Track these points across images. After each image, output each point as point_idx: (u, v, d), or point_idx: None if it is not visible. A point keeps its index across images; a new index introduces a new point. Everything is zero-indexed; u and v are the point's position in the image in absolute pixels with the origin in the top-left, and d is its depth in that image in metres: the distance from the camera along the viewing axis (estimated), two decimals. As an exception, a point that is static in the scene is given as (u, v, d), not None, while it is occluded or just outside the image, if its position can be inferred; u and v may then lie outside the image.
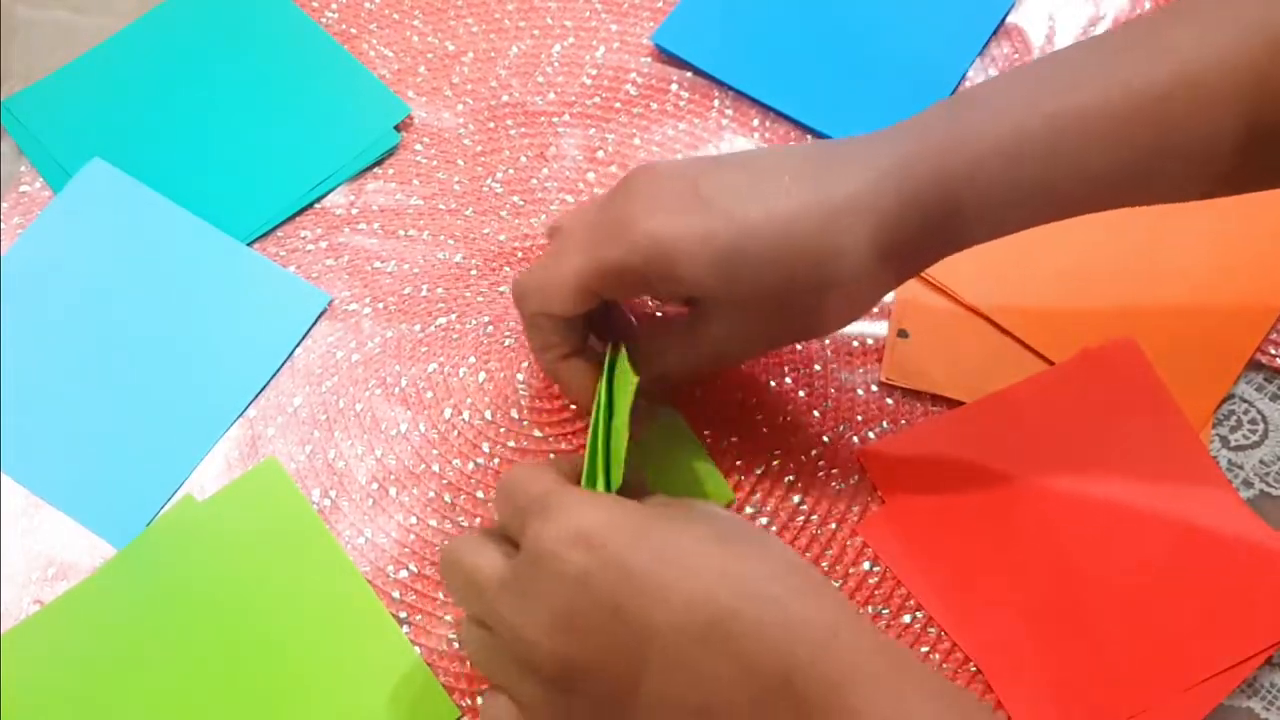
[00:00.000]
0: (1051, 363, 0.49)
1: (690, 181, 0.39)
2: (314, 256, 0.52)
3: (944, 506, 0.46)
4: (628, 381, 0.39)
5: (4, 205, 0.53)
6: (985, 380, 0.49)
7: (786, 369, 0.50)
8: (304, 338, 0.50)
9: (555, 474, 0.38)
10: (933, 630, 0.45)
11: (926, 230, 0.39)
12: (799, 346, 0.50)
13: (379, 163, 0.54)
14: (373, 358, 0.50)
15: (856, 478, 0.48)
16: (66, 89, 0.55)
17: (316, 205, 0.53)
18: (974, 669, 0.44)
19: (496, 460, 0.48)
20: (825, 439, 0.48)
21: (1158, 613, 0.44)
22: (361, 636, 0.44)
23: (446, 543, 0.38)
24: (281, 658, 0.44)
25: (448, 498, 0.47)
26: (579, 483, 0.38)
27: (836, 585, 0.46)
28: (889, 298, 0.51)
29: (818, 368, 0.50)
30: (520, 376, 0.49)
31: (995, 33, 0.58)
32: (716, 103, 0.56)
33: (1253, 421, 0.49)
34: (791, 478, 0.48)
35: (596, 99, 0.56)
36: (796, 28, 0.57)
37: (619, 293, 0.41)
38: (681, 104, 0.56)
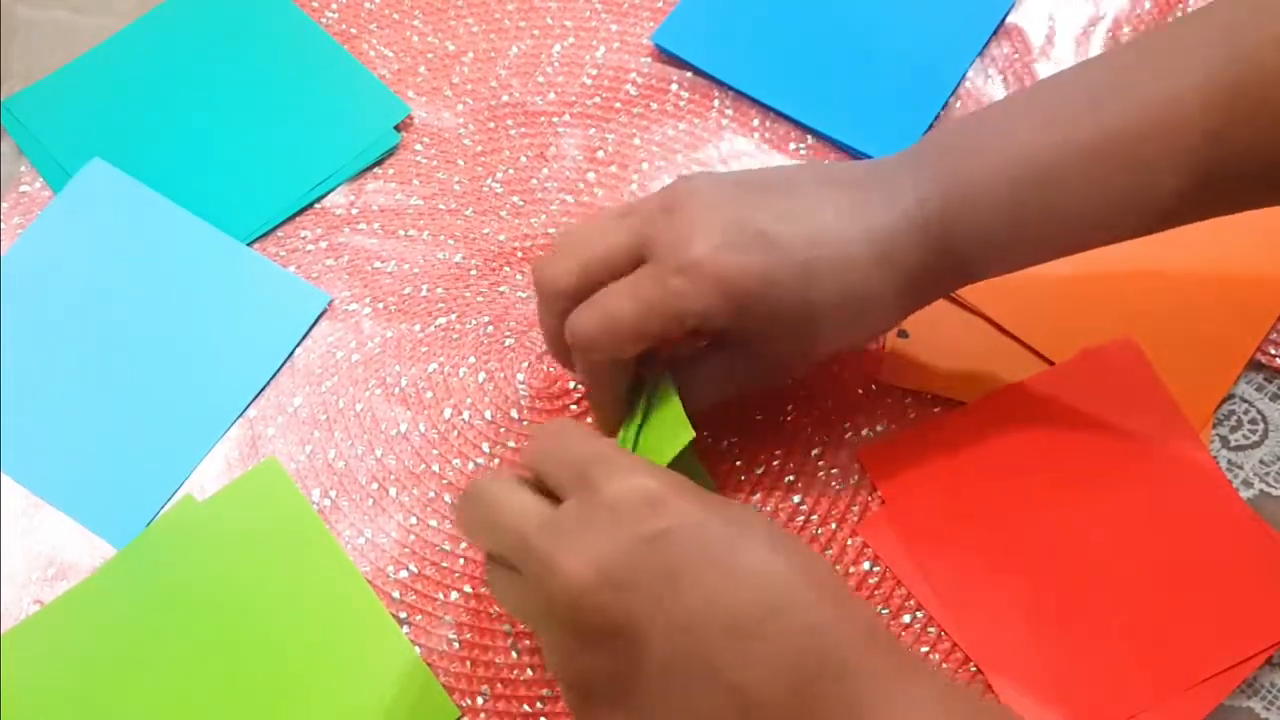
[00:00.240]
0: (1051, 363, 0.49)
1: (741, 209, 0.40)
2: (314, 256, 0.52)
3: (944, 506, 0.46)
4: (677, 428, 0.41)
5: (4, 205, 0.53)
6: (985, 380, 0.49)
7: (786, 369, 0.50)
8: (304, 338, 0.50)
9: (605, 437, 0.38)
10: (933, 630, 0.45)
11: (940, 272, 0.41)
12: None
13: (379, 163, 0.54)
14: (373, 358, 0.50)
15: (856, 478, 0.48)
16: (66, 89, 0.55)
17: (316, 205, 0.53)
18: (974, 669, 0.44)
19: (496, 460, 0.48)
20: (825, 439, 0.48)
21: (1158, 613, 0.44)
22: (361, 636, 0.44)
23: (471, 483, 0.38)
24: (281, 658, 0.44)
25: (448, 498, 0.47)
26: None
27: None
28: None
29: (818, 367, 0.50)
30: (520, 376, 0.50)
31: (995, 33, 0.57)
32: (716, 103, 0.56)
33: (1253, 421, 0.49)
34: (791, 478, 0.48)
35: (596, 99, 0.56)
36: (796, 28, 0.57)
37: (681, 332, 0.41)
38: (681, 104, 0.56)
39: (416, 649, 0.44)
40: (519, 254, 0.52)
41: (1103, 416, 0.48)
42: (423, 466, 0.48)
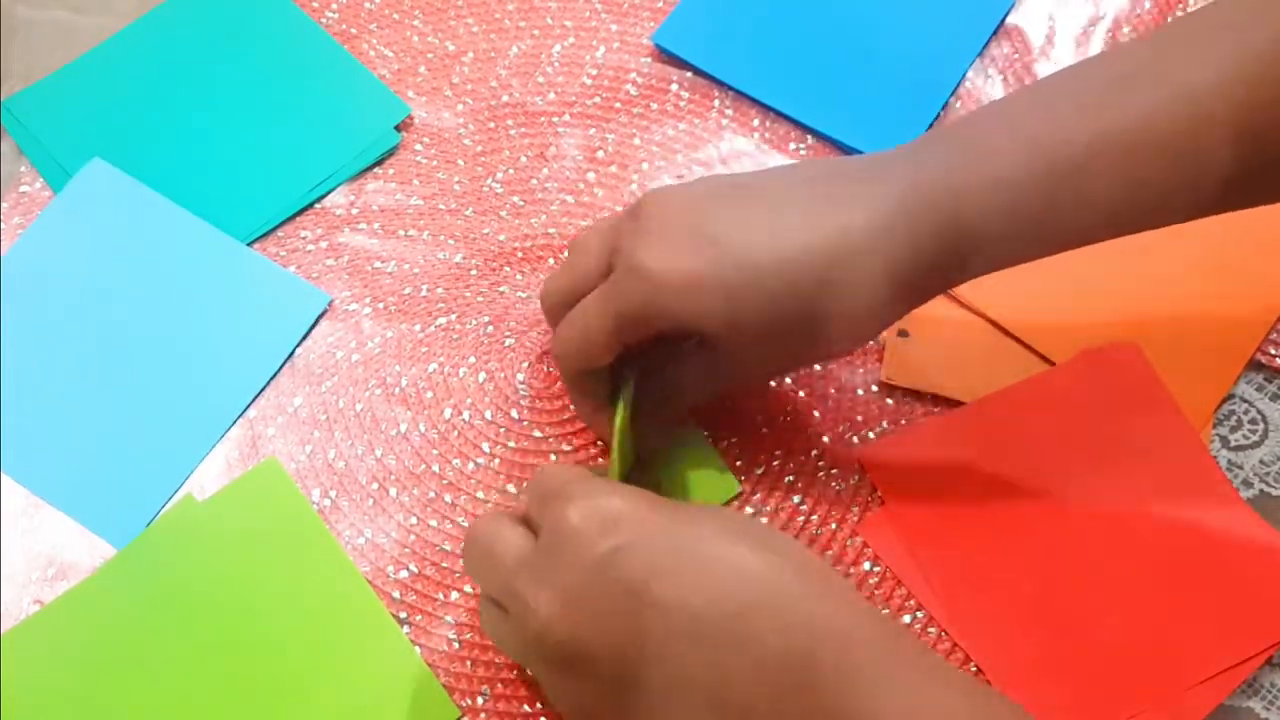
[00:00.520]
0: (1052, 363, 0.49)
1: (701, 217, 0.40)
2: (314, 256, 0.52)
3: (944, 506, 0.46)
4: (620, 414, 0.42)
5: (4, 205, 0.53)
6: (985, 380, 0.49)
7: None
8: (304, 338, 0.50)
9: (582, 469, 0.39)
10: (933, 630, 0.45)
11: (934, 267, 0.40)
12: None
13: (379, 163, 0.54)
14: (373, 358, 0.50)
15: (856, 478, 0.48)
16: (66, 89, 0.55)
17: (316, 205, 0.53)
18: (974, 669, 0.44)
19: (496, 460, 0.48)
20: (825, 439, 0.48)
21: (1158, 613, 0.44)
22: (361, 636, 0.44)
23: (472, 523, 0.39)
24: (281, 658, 0.44)
25: (448, 498, 0.47)
26: None
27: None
28: (889, 298, 0.51)
29: (818, 368, 0.50)
30: (520, 376, 0.49)
31: (995, 33, 0.58)
32: (716, 103, 0.56)
33: (1253, 421, 0.49)
34: (791, 478, 0.48)
35: (596, 99, 0.56)
36: (796, 28, 0.57)
37: (642, 335, 0.41)
38: (681, 104, 0.56)
39: (416, 649, 0.44)
40: (519, 254, 0.52)
41: (1103, 417, 0.48)
42: (423, 466, 0.48)
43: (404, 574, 0.46)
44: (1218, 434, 0.49)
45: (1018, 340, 0.50)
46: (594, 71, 0.57)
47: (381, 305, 0.51)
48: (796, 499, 0.47)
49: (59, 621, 0.44)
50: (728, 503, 0.47)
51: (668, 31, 0.57)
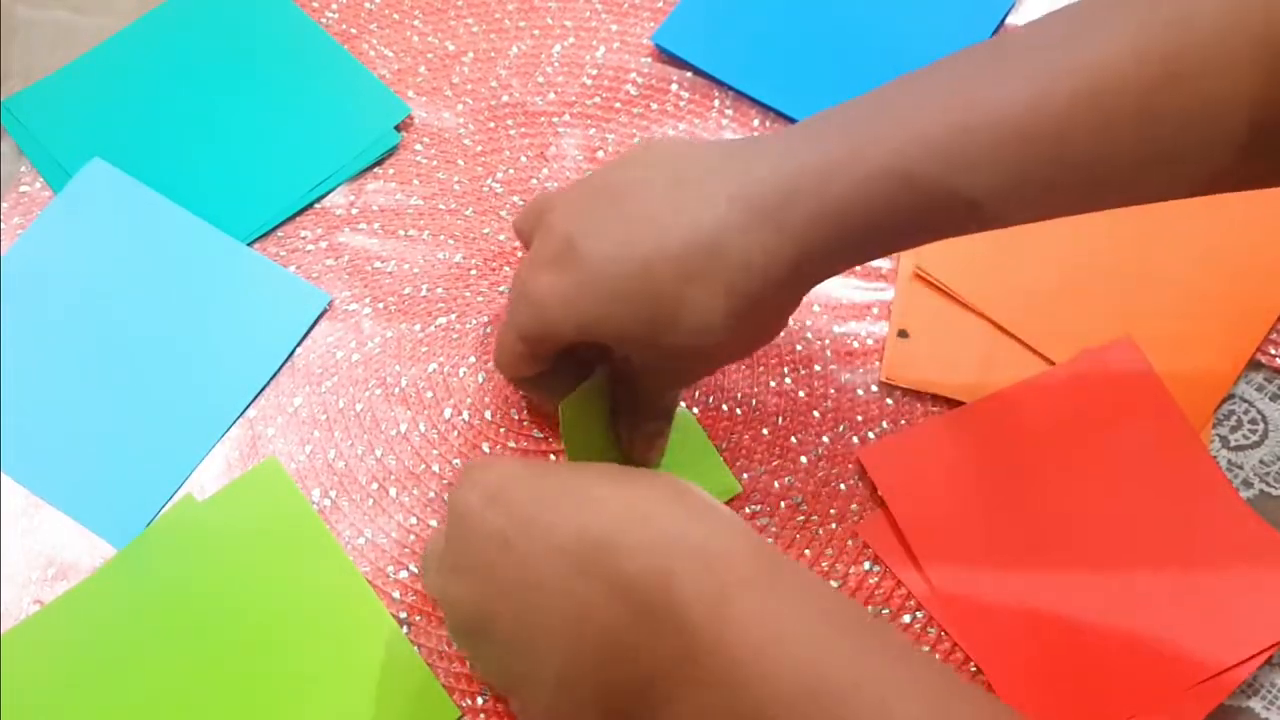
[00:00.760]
0: (1051, 363, 0.49)
1: (573, 225, 0.39)
2: (314, 256, 0.52)
3: (944, 506, 0.46)
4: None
5: (4, 205, 0.53)
6: (985, 380, 0.49)
7: (786, 369, 0.50)
8: (304, 338, 0.50)
9: (501, 457, 0.39)
10: (933, 630, 0.45)
11: (811, 253, 0.37)
12: (798, 347, 0.50)
13: (379, 163, 0.54)
14: (373, 358, 0.50)
15: (856, 478, 0.48)
16: (66, 89, 0.55)
17: (316, 205, 0.53)
18: (974, 669, 0.44)
19: (496, 460, 0.48)
20: (825, 439, 0.48)
21: (1158, 613, 0.44)
22: (361, 636, 0.44)
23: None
24: (282, 658, 0.44)
25: (447, 498, 0.47)
26: None
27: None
28: (889, 297, 0.51)
29: (817, 368, 0.50)
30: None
31: (995, 33, 0.57)
32: (716, 103, 0.56)
33: (1253, 421, 0.49)
34: (791, 478, 0.48)
35: (596, 99, 0.56)
36: (796, 28, 0.57)
37: (552, 350, 0.41)
38: (681, 104, 0.56)
39: (416, 649, 0.44)
40: (519, 254, 0.52)
41: (1103, 416, 0.48)
42: (423, 466, 0.48)
43: (404, 574, 0.46)
44: (1218, 434, 0.49)
45: (1018, 340, 0.50)
46: (594, 71, 0.57)
47: (381, 305, 0.51)
48: (797, 499, 0.47)
49: (59, 621, 0.44)
50: (728, 502, 0.47)
51: (668, 31, 0.57)
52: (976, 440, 0.48)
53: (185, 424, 0.48)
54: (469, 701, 0.44)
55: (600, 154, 0.55)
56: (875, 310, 0.51)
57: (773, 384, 0.49)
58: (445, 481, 0.47)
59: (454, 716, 0.43)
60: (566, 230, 0.39)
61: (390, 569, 0.46)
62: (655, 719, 0.33)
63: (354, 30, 0.58)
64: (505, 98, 0.56)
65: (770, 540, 0.47)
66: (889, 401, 0.49)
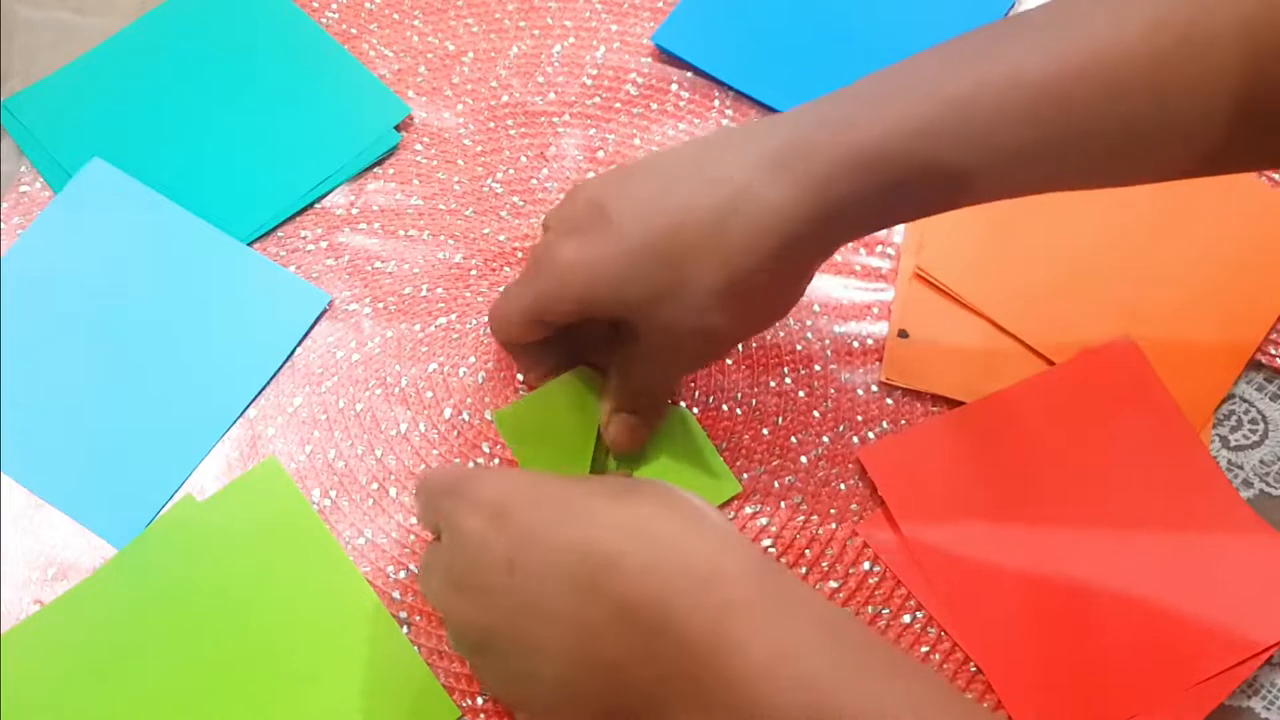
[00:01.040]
0: (1051, 363, 0.49)
1: (606, 196, 0.40)
2: (314, 256, 0.52)
3: (944, 506, 0.46)
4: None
5: (4, 205, 0.53)
6: (985, 380, 0.49)
7: (786, 369, 0.50)
8: (304, 338, 0.50)
9: (467, 467, 0.39)
10: (932, 630, 0.45)
11: (830, 214, 0.38)
12: (798, 346, 0.50)
13: (379, 163, 0.54)
14: (373, 358, 0.50)
15: (856, 478, 0.48)
16: (67, 89, 0.55)
17: (317, 205, 0.53)
18: (974, 669, 0.44)
19: (496, 460, 0.48)
20: (825, 439, 0.48)
21: (1158, 613, 0.44)
22: (361, 636, 0.44)
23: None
24: (282, 657, 0.44)
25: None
26: None
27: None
28: (889, 297, 0.51)
29: (817, 368, 0.50)
30: (520, 376, 0.49)
31: (995, 33, 0.57)
32: (716, 103, 0.56)
33: (1253, 421, 0.49)
34: (791, 478, 0.48)
35: (596, 99, 0.56)
36: (796, 28, 0.57)
37: (564, 319, 0.42)
38: (681, 104, 0.56)
39: (416, 649, 0.44)
40: (519, 254, 0.52)
41: (1103, 417, 0.48)
42: (423, 466, 0.48)
43: (404, 574, 0.46)
44: (1218, 434, 0.49)
45: (1018, 340, 0.50)
46: (594, 71, 0.57)
47: (381, 305, 0.51)
48: (796, 499, 0.47)
49: (59, 621, 0.44)
50: (728, 502, 0.47)
51: (668, 31, 0.57)
52: (976, 440, 0.48)
53: (185, 424, 0.48)
54: (469, 701, 0.44)
55: (600, 154, 0.55)
56: (875, 310, 0.51)
57: (773, 384, 0.49)
58: (445, 481, 0.48)
59: (454, 716, 0.43)
60: (595, 197, 0.40)
61: (390, 569, 0.46)
62: None
63: (354, 30, 0.58)
64: (505, 98, 0.56)
65: (770, 540, 0.47)
66: (889, 401, 0.49)
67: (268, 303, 0.51)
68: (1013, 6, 0.58)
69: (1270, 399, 0.49)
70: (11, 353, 0.49)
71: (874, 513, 0.47)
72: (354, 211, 0.53)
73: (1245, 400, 0.49)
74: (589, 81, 0.56)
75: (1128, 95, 0.36)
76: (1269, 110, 0.36)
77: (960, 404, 0.49)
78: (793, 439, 0.48)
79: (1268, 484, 0.48)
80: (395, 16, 0.58)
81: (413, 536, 0.46)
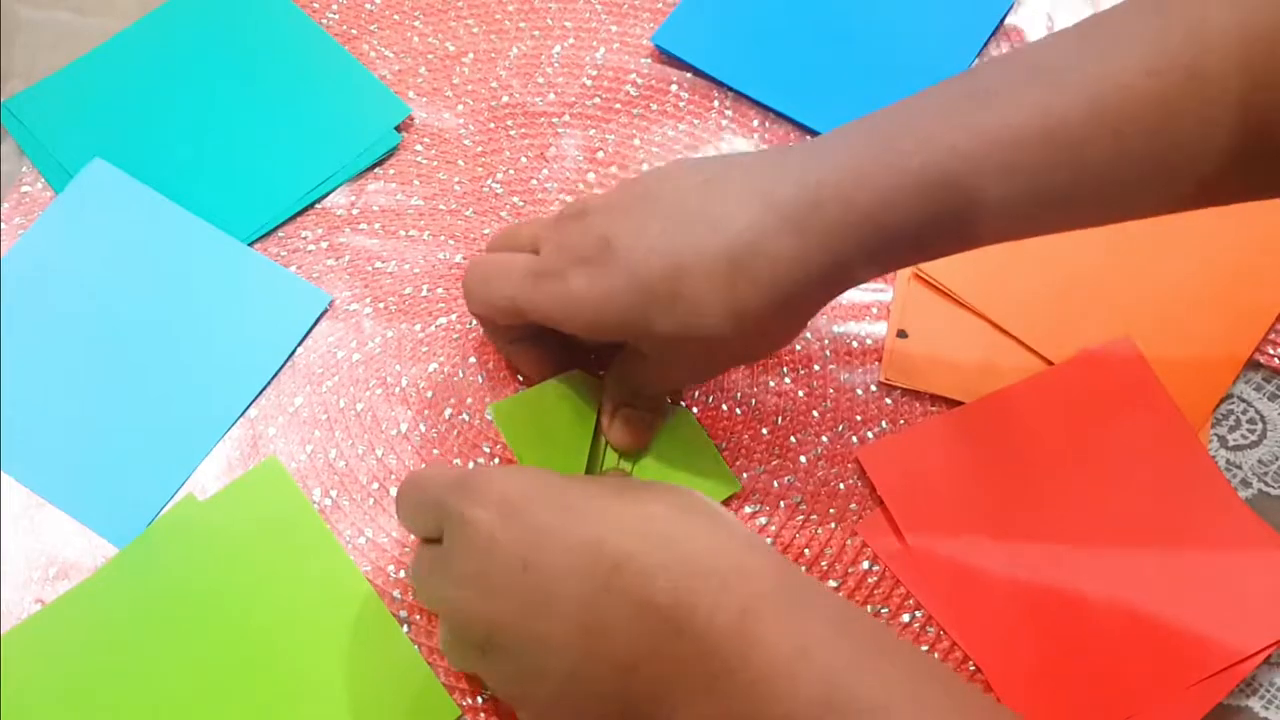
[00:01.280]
0: (1051, 363, 0.49)
1: (613, 228, 0.40)
2: (315, 256, 0.52)
3: (943, 506, 0.47)
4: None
5: (5, 205, 0.53)
6: (985, 380, 0.49)
7: (786, 369, 0.50)
8: (305, 338, 0.50)
9: (465, 467, 0.39)
10: (931, 629, 0.45)
11: (835, 263, 0.38)
12: (798, 346, 0.50)
13: (379, 163, 0.54)
14: (373, 358, 0.50)
15: (856, 478, 0.48)
16: (68, 89, 0.55)
17: (317, 205, 0.53)
18: (973, 668, 0.44)
19: (496, 460, 0.48)
20: (825, 439, 0.49)
21: (1156, 612, 0.44)
22: (362, 636, 0.44)
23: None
24: (282, 657, 0.44)
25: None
26: None
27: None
28: (888, 297, 0.51)
29: (817, 368, 0.50)
30: (520, 376, 0.50)
31: (994, 33, 0.58)
32: (716, 103, 0.56)
33: (1251, 421, 0.49)
34: (791, 478, 0.48)
35: (596, 99, 0.56)
36: (796, 28, 0.57)
37: (547, 326, 0.42)
38: (681, 104, 0.56)
39: (416, 649, 0.44)
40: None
41: (1102, 416, 0.48)
42: (423, 466, 0.48)
43: (404, 574, 0.46)
44: (1216, 433, 0.49)
45: (1017, 340, 0.50)
46: (594, 72, 0.57)
47: (382, 305, 0.51)
48: (796, 499, 0.47)
49: (59, 621, 0.44)
50: (727, 502, 0.47)
51: (668, 32, 0.57)
52: (976, 440, 0.48)
53: (186, 424, 0.48)
54: (469, 701, 0.44)
55: (600, 154, 0.55)
56: (875, 310, 0.51)
57: (772, 384, 0.50)
58: (445, 481, 0.48)
59: (454, 716, 0.43)
60: (603, 231, 0.40)
61: (391, 569, 0.46)
62: None
63: (354, 31, 0.58)
64: (505, 98, 0.56)
65: (770, 540, 0.47)
66: (888, 401, 0.49)
67: (268, 303, 0.51)
68: (1011, 7, 0.58)
69: (1269, 399, 0.49)
70: (12, 352, 0.49)
71: (873, 512, 0.47)
72: (354, 212, 0.53)
73: (1244, 400, 0.49)
74: (589, 82, 0.57)
75: (1137, 135, 0.36)
76: (1267, 142, 0.36)
77: (959, 404, 0.49)
78: (792, 439, 0.48)
79: (1266, 483, 0.48)
80: (395, 17, 0.58)
81: (413, 536, 0.46)
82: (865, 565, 0.46)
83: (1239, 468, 0.48)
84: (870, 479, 0.47)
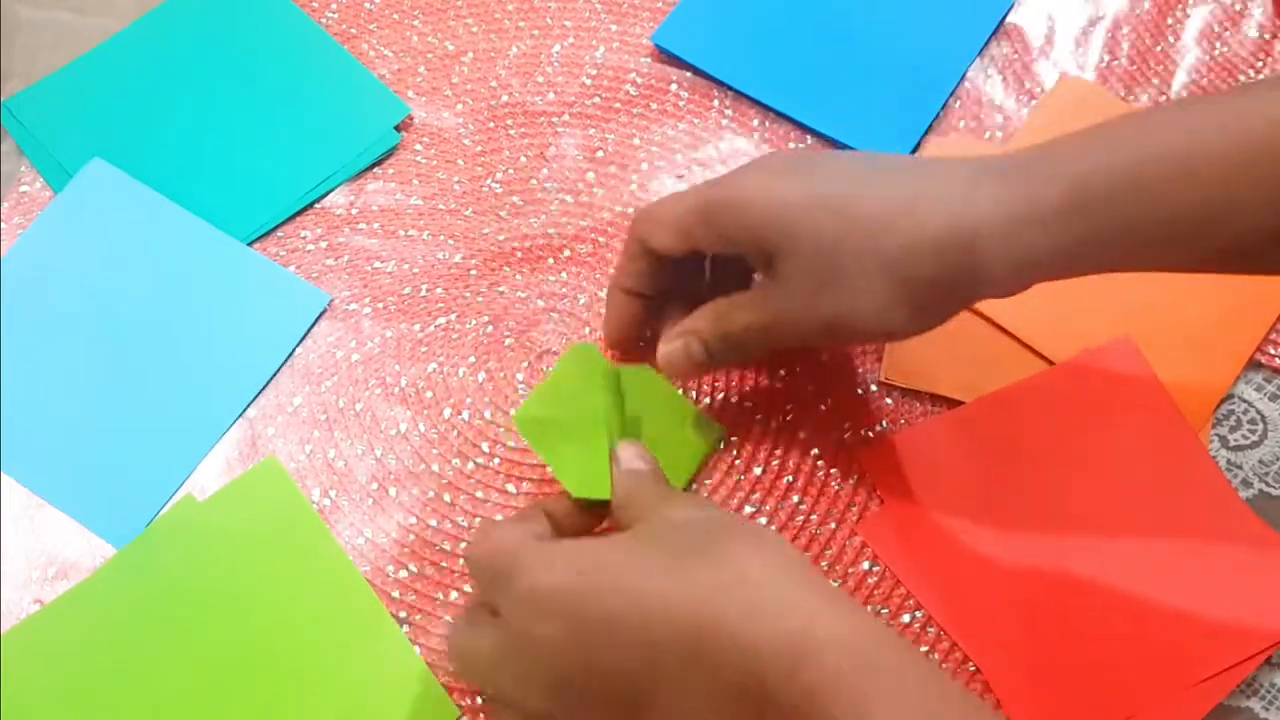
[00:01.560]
0: (1051, 363, 0.49)
1: (803, 156, 0.41)
2: (314, 256, 0.52)
3: (943, 506, 0.46)
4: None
5: (4, 205, 0.53)
6: (985, 380, 0.49)
7: (785, 369, 0.50)
8: (304, 337, 0.50)
9: (513, 533, 0.38)
10: (932, 630, 0.45)
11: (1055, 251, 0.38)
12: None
13: (379, 163, 0.54)
14: (373, 357, 0.50)
15: (856, 478, 0.48)
16: (67, 89, 0.55)
17: (317, 205, 0.53)
18: (973, 668, 0.44)
19: (496, 460, 0.48)
20: (825, 439, 0.48)
21: (1156, 612, 0.44)
22: (361, 636, 0.44)
23: (449, 633, 0.39)
24: (281, 658, 0.44)
25: (447, 497, 0.47)
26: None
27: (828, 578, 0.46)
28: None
29: (818, 367, 0.50)
30: (520, 376, 0.50)
31: (995, 33, 0.58)
32: (716, 103, 0.56)
33: (1252, 421, 0.49)
34: (791, 477, 0.48)
35: (596, 99, 0.56)
36: (796, 28, 0.57)
37: (718, 238, 0.41)
38: (681, 104, 0.56)
39: (416, 649, 0.44)
40: (518, 254, 0.52)
41: (1102, 416, 0.48)
42: (422, 466, 0.48)
43: (404, 574, 0.46)
44: (1217, 434, 0.49)
45: (1017, 340, 0.50)
46: (594, 71, 0.57)
47: (381, 305, 0.51)
48: (796, 499, 0.47)
49: (59, 621, 0.44)
50: (726, 501, 0.47)
51: (667, 31, 0.57)
52: (976, 440, 0.48)
53: (185, 424, 0.48)
54: (469, 701, 0.44)
55: (600, 154, 0.55)
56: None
57: (772, 384, 0.49)
58: (445, 481, 0.48)
59: (454, 716, 0.43)
60: (793, 157, 0.41)
61: (390, 568, 0.46)
62: None
63: (354, 30, 0.58)
64: (505, 98, 0.56)
65: (770, 540, 0.46)
66: (889, 401, 0.49)
67: (268, 303, 0.51)
68: (1011, 7, 0.58)
69: (1269, 399, 0.49)
70: (12, 353, 0.49)
71: (873, 512, 0.47)
72: (354, 211, 0.53)
73: (1244, 400, 0.49)
74: (588, 81, 0.57)
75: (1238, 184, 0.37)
76: None
77: (959, 404, 0.49)
78: (792, 439, 0.48)
79: (1267, 484, 0.48)
80: (395, 17, 0.58)
81: (412, 536, 0.46)
82: (865, 565, 0.46)
83: (1240, 468, 0.48)
84: (871, 479, 0.47)
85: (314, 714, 0.43)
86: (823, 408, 0.49)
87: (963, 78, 0.56)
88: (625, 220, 0.53)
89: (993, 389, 0.49)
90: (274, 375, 0.49)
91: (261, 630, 0.44)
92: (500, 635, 0.36)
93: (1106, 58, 0.57)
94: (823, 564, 0.46)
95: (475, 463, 0.48)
